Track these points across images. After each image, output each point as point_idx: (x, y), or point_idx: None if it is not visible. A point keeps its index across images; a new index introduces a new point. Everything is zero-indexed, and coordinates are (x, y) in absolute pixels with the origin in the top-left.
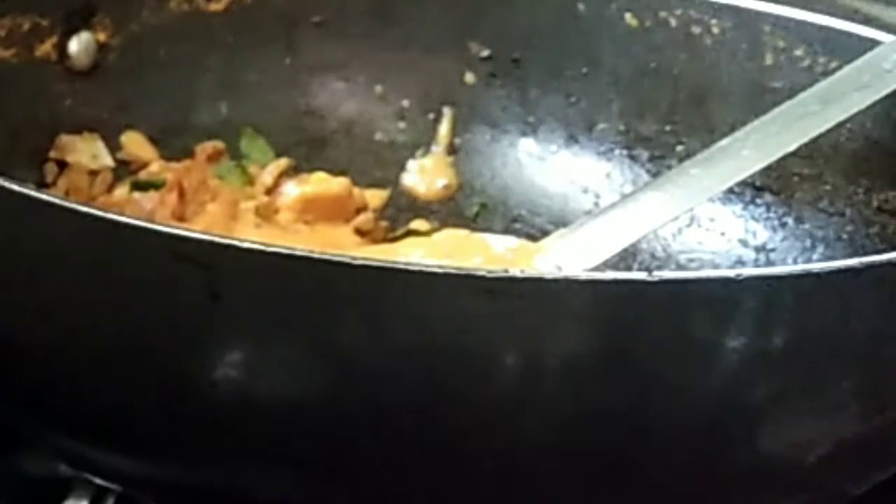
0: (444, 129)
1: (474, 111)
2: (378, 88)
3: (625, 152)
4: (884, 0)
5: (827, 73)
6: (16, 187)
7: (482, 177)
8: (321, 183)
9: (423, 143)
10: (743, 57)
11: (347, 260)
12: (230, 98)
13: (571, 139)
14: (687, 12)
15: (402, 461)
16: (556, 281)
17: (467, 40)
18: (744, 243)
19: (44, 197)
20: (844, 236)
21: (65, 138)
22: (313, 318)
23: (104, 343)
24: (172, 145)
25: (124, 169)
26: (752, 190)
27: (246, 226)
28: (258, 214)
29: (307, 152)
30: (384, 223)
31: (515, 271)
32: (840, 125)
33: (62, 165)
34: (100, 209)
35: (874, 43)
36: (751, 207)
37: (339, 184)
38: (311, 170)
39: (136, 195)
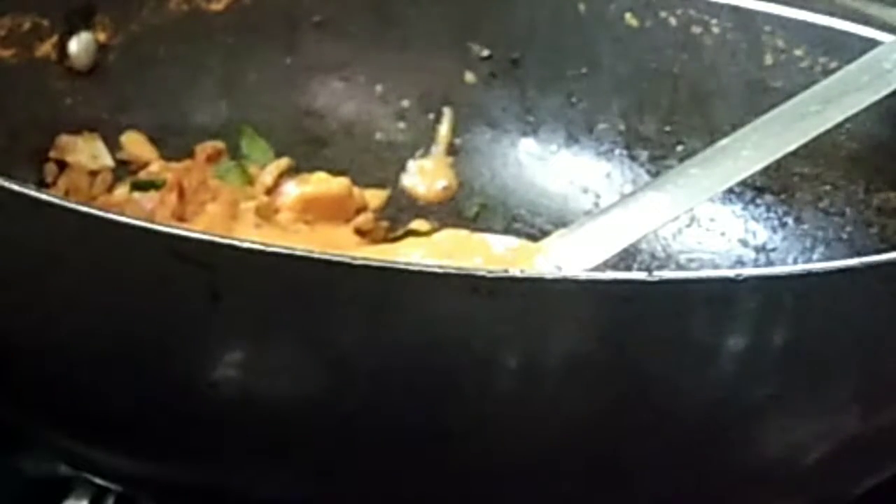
0: (443, 129)
1: (474, 111)
2: (378, 88)
3: (625, 152)
4: (884, 0)
5: (827, 73)
6: (16, 187)
7: (482, 177)
8: (321, 183)
9: (423, 143)
10: (743, 57)
11: (347, 260)
12: (230, 98)
13: (571, 139)
14: (687, 12)
15: (402, 461)
16: (556, 281)
17: (467, 40)
18: (744, 243)
19: (44, 197)
20: (844, 236)
21: (65, 138)
22: (313, 318)
23: (104, 343)
24: (172, 145)
25: (124, 169)
26: (752, 190)
27: (246, 226)
28: (258, 214)
29: (307, 152)
30: (384, 223)
31: (515, 271)
32: (840, 125)
33: (62, 165)
34: (100, 209)
35: (874, 43)
36: (751, 207)
37: (339, 184)
38: (311, 170)
39: (136, 195)
